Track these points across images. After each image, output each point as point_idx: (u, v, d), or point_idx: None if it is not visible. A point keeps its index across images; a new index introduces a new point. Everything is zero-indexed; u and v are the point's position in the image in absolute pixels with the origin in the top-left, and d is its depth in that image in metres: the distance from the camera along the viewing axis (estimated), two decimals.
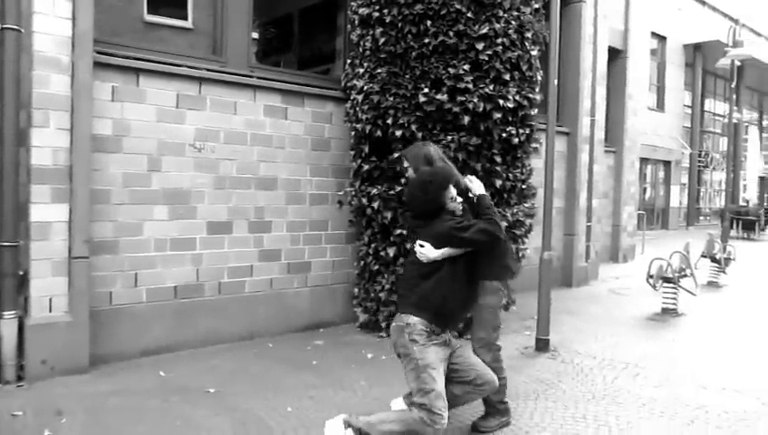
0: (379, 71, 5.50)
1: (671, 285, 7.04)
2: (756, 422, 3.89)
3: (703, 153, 27.21)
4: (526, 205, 5.99)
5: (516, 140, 5.61)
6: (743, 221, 21.26)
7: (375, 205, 5.59)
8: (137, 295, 4.90)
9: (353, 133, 5.83)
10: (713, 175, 29.96)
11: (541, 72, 5.87)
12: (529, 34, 5.58)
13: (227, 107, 5.39)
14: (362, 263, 5.96)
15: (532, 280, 6.28)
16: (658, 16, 20.46)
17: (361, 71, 5.66)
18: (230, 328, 5.43)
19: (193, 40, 6.81)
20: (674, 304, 7.09)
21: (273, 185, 5.70)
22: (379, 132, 5.50)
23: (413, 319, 3.26)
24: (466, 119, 5.28)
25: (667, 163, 24.26)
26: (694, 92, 25.77)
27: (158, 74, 4.98)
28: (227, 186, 5.39)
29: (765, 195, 32.72)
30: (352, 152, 5.92)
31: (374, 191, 5.59)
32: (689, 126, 25.91)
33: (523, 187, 6.02)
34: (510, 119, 5.55)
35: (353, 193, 5.84)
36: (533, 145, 6.04)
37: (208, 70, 5.30)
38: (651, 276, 7.03)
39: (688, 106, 25.80)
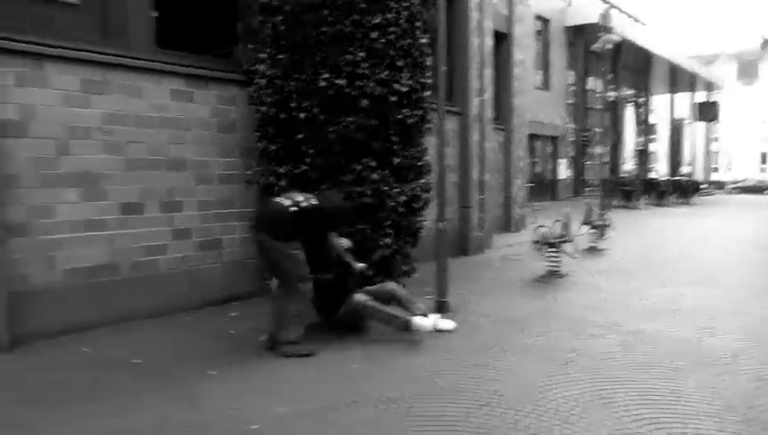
0: (280, 57, 5.83)
1: (554, 249, 7.88)
2: (619, 358, 4.63)
3: (587, 129, 29.20)
4: (423, 181, 6.53)
5: (411, 121, 6.12)
6: (622, 191, 23.24)
7: (282, 183, 5.94)
8: (54, 276, 5.04)
9: (258, 116, 6.13)
10: (596, 149, 32.19)
11: (431, 57, 6.40)
12: (419, 24, 6.09)
13: (133, 91, 5.55)
14: None
15: (431, 250, 6.84)
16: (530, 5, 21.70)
17: (264, 56, 5.96)
18: (148, 305, 5.65)
19: (82, 18, 6.76)
20: (557, 266, 7.94)
21: (182, 166, 5.92)
22: (283, 115, 5.84)
23: None
24: (365, 102, 5.73)
25: (553, 138, 25.90)
26: (576, 71, 27.54)
27: (62, 59, 5.07)
28: (137, 167, 5.57)
29: (642, 167, 35.48)
30: (258, 133, 6.22)
31: (281, 170, 5.94)
32: (573, 103, 27.72)
33: (419, 164, 6.55)
34: (404, 102, 6.04)
35: (261, 172, 6.16)
36: (427, 125, 6.58)
37: (112, 55, 5.42)
38: (536, 242, 7.83)
39: (572, 85, 27.58)
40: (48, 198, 4.99)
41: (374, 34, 5.69)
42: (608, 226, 10.99)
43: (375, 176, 5.90)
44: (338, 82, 5.65)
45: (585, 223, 10.69)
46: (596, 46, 12.27)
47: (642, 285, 7.43)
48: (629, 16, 30.19)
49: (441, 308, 6.01)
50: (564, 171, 26.87)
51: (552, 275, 7.96)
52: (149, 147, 5.65)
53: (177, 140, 5.88)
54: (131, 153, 5.53)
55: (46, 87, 4.99)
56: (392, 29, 5.79)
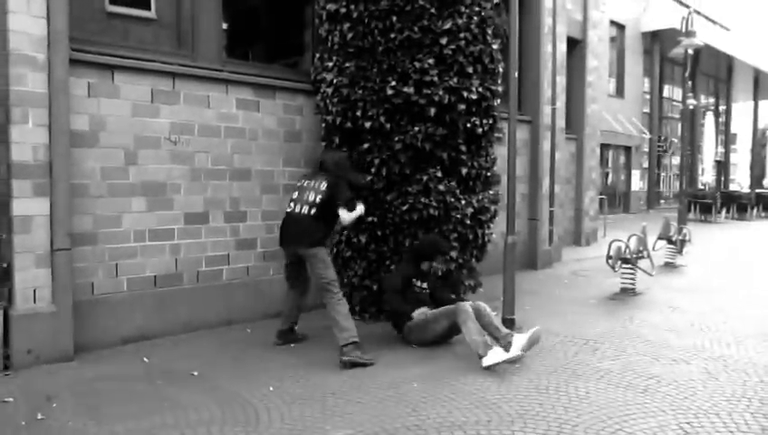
0: (347, 65, 5.72)
1: (629, 265, 7.44)
2: (704, 388, 4.24)
3: (662, 138, 28.03)
4: (491, 192, 6.28)
5: (480, 130, 5.89)
6: (700, 204, 22.05)
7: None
8: (117, 285, 5.07)
9: (324, 125, 6.04)
10: (672, 159, 30.88)
11: (502, 63, 6.14)
12: (490, 30, 5.85)
13: (201, 101, 5.56)
14: (335, 250, 6.19)
15: (498, 263, 6.53)
16: (617, 5, 21.01)
17: (330, 64, 5.87)
18: (209, 315, 5.63)
19: (157, 31, 6.88)
20: (632, 283, 7.50)
21: (247, 176, 5.89)
22: (349, 124, 5.72)
23: None
24: (432, 110, 5.53)
25: (627, 148, 24.96)
26: (652, 79, 26.51)
27: (132, 70, 5.12)
28: (203, 177, 5.57)
29: (721, 179, 33.77)
30: (323, 143, 6.13)
31: None
32: (648, 112, 26.67)
33: (488, 174, 6.30)
34: (473, 110, 5.82)
35: None
36: (497, 134, 6.33)
37: (181, 65, 5.44)
38: (610, 257, 7.41)
39: (647, 92, 26.55)
40: (115, 208, 5.04)
41: (443, 40, 5.50)
42: (687, 241, 10.36)
43: (441, 187, 5.70)
44: (405, 90, 5.48)
45: (662, 237, 10.12)
46: (675, 51, 11.63)
47: (725, 306, 6.91)
48: (711, 21, 28.82)
49: (507, 326, 5.72)
50: (638, 183, 25.85)
51: (627, 293, 7.52)
52: (215, 156, 5.65)
53: (243, 150, 5.86)
54: (197, 163, 5.53)
55: (116, 97, 5.04)
56: (462, 35, 5.58)
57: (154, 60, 5.29)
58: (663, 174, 29.78)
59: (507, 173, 5.93)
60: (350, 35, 5.67)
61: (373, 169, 5.70)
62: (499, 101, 6.22)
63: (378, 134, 5.65)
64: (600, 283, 8.33)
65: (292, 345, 5.23)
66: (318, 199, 4.89)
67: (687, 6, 25.95)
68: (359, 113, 5.63)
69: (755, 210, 25.73)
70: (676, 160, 31.29)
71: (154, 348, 5.04)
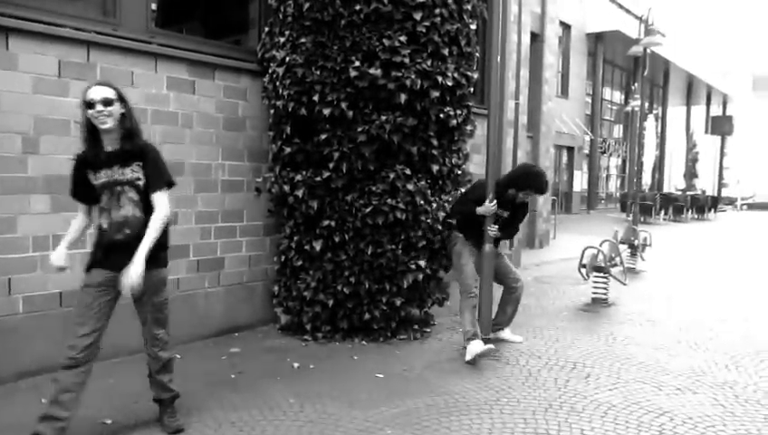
0: (303, 40, 4.84)
1: (602, 274, 6.86)
2: (721, 426, 3.63)
3: (602, 140, 28.28)
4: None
5: (454, 121, 5.14)
6: (640, 206, 22.16)
7: (299, 193, 4.96)
8: (11, 306, 4.02)
9: (273, 111, 5.15)
10: (609, 161, 31.32)
11: (479, 48, 5.41)
12: (468, 6, 5.11)
13: (123, 77, 4.55)
14: (283, 258, 5.33)
15: None
16: (563, 4, 20.79)
17: (282, 40, 4.98)
18: (130, 339, 4.61)
19: None
20: (604, 293, 6.93)
21: (179, 170, 4.91)
22: (303, 110, 4.86)
23: None
24: (403, 97, 4.74)
25: (570, 149, 24.95)
26: (595, 80, 26.63)
27: (34, 35, 4.08)
28: None
29: (658, 181, 34.61)
30: (271, 133, 5.24)
31: (298, 178, 4.95)
32: (590, 113, 26.79)
33: (458, 172, 5.57)
34: (447, 98, 5.07)
35: (273, 179, 5.17)
36: (469, 127, 5.60)
37: (98, 33, 4.43)
38: (584, 266, 6.81)
39: (589, 94, 26.66)
40: (9, 209, 3.98)
41: (417, 15, 4.71)
42: (647, 245, 9.98)
43: (410, 186, 4.92)
44: (372, 71, 4.66)
45: (624, 242, 9.68)
46: (633, 50, 11.29)
47: (703, 317, 6.47)
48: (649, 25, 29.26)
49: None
50: (579, 183, 25.91)
51: (598, 304, 6.96)
52: None
53: (175, 139, 4.89)
54: None
55: (12, 68, 4.00)
56: (438, 10, 4.81)
57: (63, 24, 4.25)
58: (602, 175, 30.10)
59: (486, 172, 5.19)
60: (306, 6, 4.79)
61: (332, 165, 4.86)
62: (472, 89, 5.50)
63: (338, 123, 4.81)
64: (566, 291, 7.78)
65: (232, 376, 4.31)
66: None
67: (628, 11, 26.22)
68: (316, 98, 4.77)
69: (689, 212, 26.36)
70: (613, 162, 31.80)
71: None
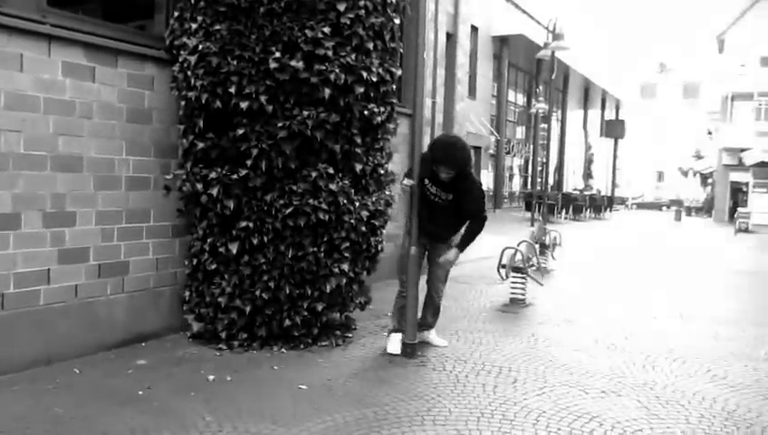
0: (217, 27, 4.48)
1: (521, 274, 6.91)
2: (648, 430, 3.64)
3: (507, 140, 29.15)
4: (387, 192, 5.38)
5: (378, 119, 4.95)
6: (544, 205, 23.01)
7: (213, 192, 4.60)
8: None
9: (184, 103, 4.75)
10: (513, 161, 32.38)
11: (402, 43, 5.26)
12: (393, 0, 4.93)
13: (10, 60, 4.03)
14: (195, 261, 4.94)
15: (381, 272, 5.81)
16: (471, 6, 21.18)
17: (194, 26, 4.59)
18: (19, 353, 4.11)
19: None
20: (522, 293, 6.98)
21: (77, 165, 4.42)
22: (218, 103, 4.50)
23: None
24: (327, 92, 4.49)
25: (477, 149, 25.46)
26: (500, 82, 27.37)
27: None
28: (11, 166, 4.05)
29: (558, 181, 36.12)
30: (182, 126, 4.84)
31: (212, 175, 4.60)
32: (495, 114, 27.53)
33: (381, 172, 5.39)
34: (372, 95, 4.87)
35: (183, 177, 4.78)
36: (391, 125, 5.43)
37: None
38: (503, 266, 6.82)
39: (495, 95, 27.37)
40: None
41: (341, 6, 4.47)
42: (558, 244, 10.24)
43: (333, 186, 4.68)
44: (293, 63, 4.38)
45: (537, 242, 9.86)
46: (542, 53, 11.59)
47: (615, 315, 6.72)
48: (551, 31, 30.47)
49: (409, 353, 4.87)
50: (486, 183, 26.52)
51: (517, 304, 7.00)
52: (31, 138, 4.14)
53: (72, 131, 4.39)
54: (4, 146, 4.00)
55: None
56: (362, 2, 4.59)
57: None
58: (506, 175, 31.04)
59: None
60: None
61: (249, 162, 4.54)
62: (395, 86, 5.34)
63: (257, 118, 4.50)
64: (483, 291, 7.81)
65: (140, 393, 3.91)
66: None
67: (532, 16, 27.13)
68: (232, 90, 4.43)
69: (588, 211, 27.71)
70: (516, 162, 32.91)
71: None
